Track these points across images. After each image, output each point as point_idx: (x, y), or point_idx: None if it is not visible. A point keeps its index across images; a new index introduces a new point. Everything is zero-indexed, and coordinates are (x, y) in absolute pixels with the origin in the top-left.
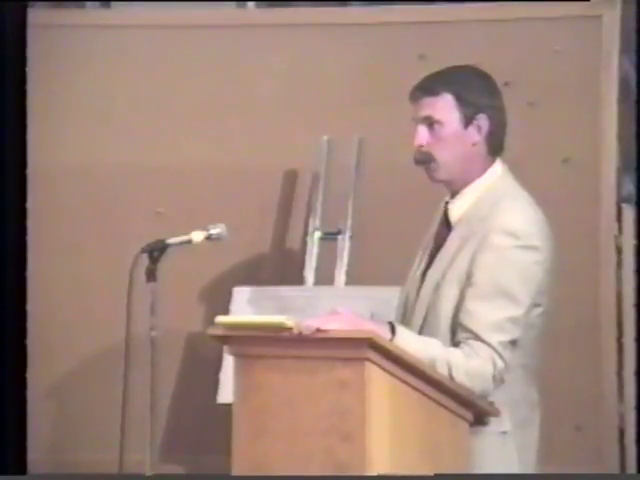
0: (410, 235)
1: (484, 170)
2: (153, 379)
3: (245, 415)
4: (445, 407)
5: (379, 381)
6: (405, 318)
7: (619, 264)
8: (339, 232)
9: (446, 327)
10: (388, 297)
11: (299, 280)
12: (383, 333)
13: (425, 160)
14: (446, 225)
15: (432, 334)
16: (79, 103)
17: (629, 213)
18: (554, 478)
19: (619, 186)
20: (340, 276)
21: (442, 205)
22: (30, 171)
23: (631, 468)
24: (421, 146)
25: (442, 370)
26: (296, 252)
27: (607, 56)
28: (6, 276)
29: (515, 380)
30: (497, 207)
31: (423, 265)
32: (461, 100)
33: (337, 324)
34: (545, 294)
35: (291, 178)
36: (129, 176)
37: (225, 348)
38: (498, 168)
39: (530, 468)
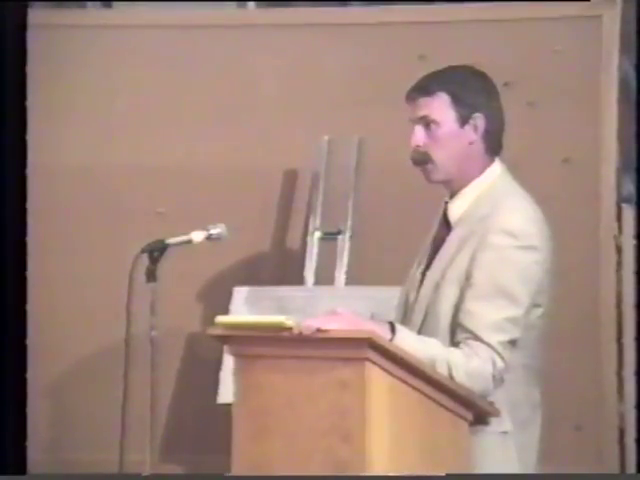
0: (410, 235)
1: (482, 169)
2: (153, 379)
3: (245, 415)
4: (445, 407)
5: (379, 381)
6: (405, 318)
7: (619, 264)
8: (339, 232)
9: (445, 327)
10: (388, 297)
11: (299, 280)
12: (383, 333)
13: (422, 160)
14: (446, 225)
15: (431, 334)
16: (79, 103)
17: (629, 213)
18: (554, 478)
19: (619, 186)
20: (340, 276)
21: (441, 205)
22: (30, 171)
23: (631, 468)
24: (418, 146)
25: (442, 370)
26: (296, 252)
27: (607, 56)
28: (6, 276)
29: (516, 380)
30: (496, 207)
31: (423, 265)
32: (457, 99)
33: (337, 324)
34: (545, 294)
35: (291, 178)
36: (129, 176)
37: (225, 348)
38: (497, 168)
39: (531, 468)
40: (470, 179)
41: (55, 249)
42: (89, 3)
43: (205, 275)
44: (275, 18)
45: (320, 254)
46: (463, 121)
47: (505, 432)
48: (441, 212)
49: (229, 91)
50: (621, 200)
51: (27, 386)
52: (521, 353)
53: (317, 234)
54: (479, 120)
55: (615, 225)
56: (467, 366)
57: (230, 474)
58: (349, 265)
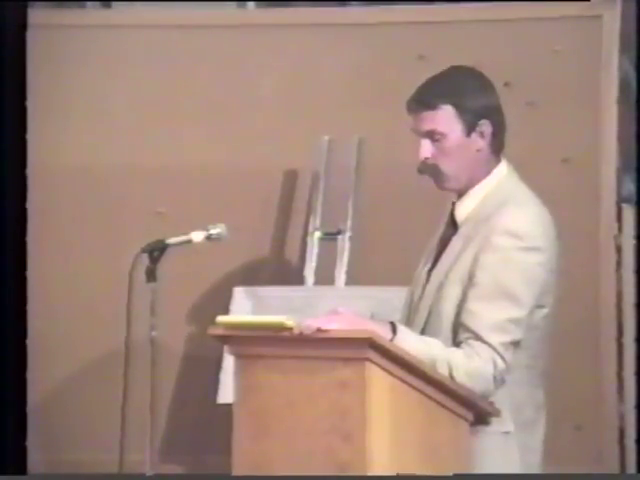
0: (410, 235)
1: (489, 171)
2: (153, 379)
3: (245, 415)
4: (445, 407)
5: (379, 381)
6: (409, 317)
7: (619, 264)
8: (339, 232)
9: (448, 327)
10: (388, 297)
11: (299, 280)
12: (384, 333)
13: (431, 172)
14: (452, 225)
15: (434, 334)
16: (79, 103)
17: (629, 213)
18: (554, 478)
19: (619, 186)
20: (340, 276)
21: (449, 205)
22: (30, 171)
23: (631, 468)
24: (427, 159)
25: (442, 370)
26: (296, 252)
27: (607, 56)
28: (6, 276)
29: (519, 381)
30: (501, 208)
31: (429, 264)
32: (461, 109)
33: (337, 324)
34: (550, 295)
35: (291, 178)
36: (129, 176)
37: (225, 348)
38: (504, 168)
39: (534, 469)
40: (477, 181)
41: (55, 249)
42: (88, 3)
43: (205, 275)
44: (275, 18)
45: (320, 254)
46: (469, 130)
47: (507, 432)
48: (448, 212)
49: (229, 91)
50: (621, 200)
51: (27, 386)
52: (524, 354)
53: (317, 234)
54: (485, 126)
55: (615, 225)
56: (468, 366)
57: (230, 474)
58: (349, 265)
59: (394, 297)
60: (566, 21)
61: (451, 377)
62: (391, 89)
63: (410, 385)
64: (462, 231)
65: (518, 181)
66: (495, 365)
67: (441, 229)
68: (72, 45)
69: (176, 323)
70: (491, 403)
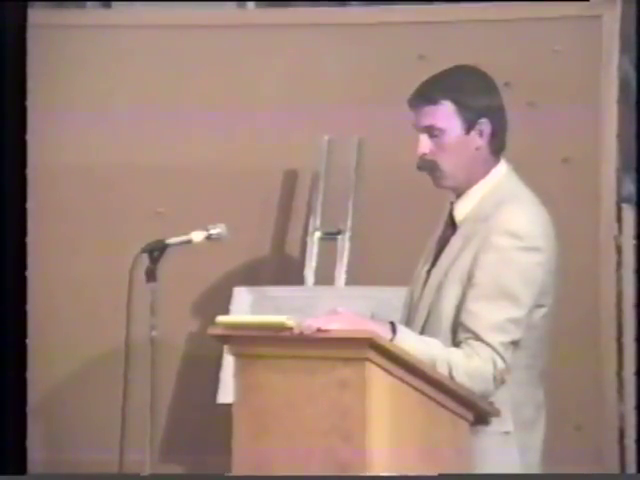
0: (410, 235)
1: (488, 170)
2: (153, 379)
3: (245, 415)
4: (445, 407)
5: (379, 381)
6: (409, 317)
7: (619, 264)
8: (339, 232)
9: (447, 327)
10: (388, 297)
11: (299, 280)
12: (384, 333)
13: (429, 168)
14: (451, 225)
15: (434, 334)
16: (79, 103)
17: (629, 213)
18: (554, 478)
19: (619, 186)
20: (340, 276)
21: (448, 205)
22: (30, 171)
23: (631, 468)
24: (424, 154)
25: (442, 370)
26: (296, 252)
27: (607, 56)
28: (6, 276)
29: (519, 381)
30: (500, 207)
31: (428, 264)
32: (461, 106)
33: (338, 324)
34: (549, 295)
35: (291, 178)
36: (129, 176)
37: (225, 348)
38: (503, 168)
39: (534, 468)
40: (476, 180)
41: (55, 249)
42: (88, 3)
43: (205, 275)
44: (275, 18)
45: (320, 254)
46: (469, 127)
47: (507, 432)
48: (447, 212)
49: (229, 91)
50: (621, 200)
51: (27, 386)
52: (524, 353)
53: (317, 234)
54: (485, 125)
55: (615, 225)
56: (467, 366)
57: (230, 474)
58: (349, 265)
59: (394, 297)
60: (566, 21)
61: (451, 377)
62: (391, 89)
63: (410, 385)
64: (461, 231)
65: (517, 181)
66: (495, 365)
67: (440, 229)
68: (72, 45)
69: (176, 323)
70: (491, 403)
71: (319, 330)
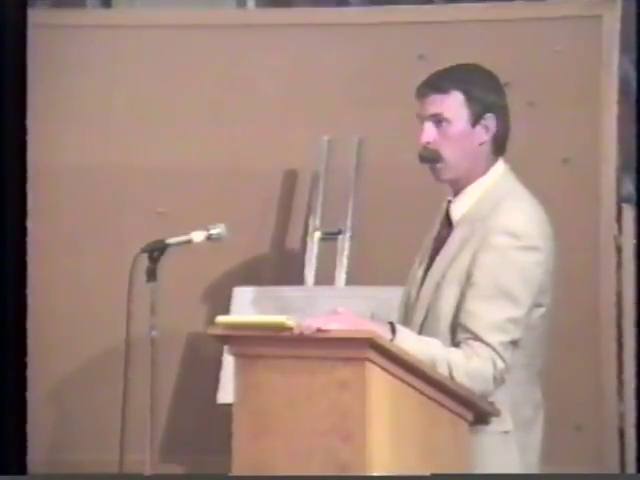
0: (410, 235)
1: (487, 169)
2: (153, 379)
3: (245, 415)
4: (445, 407)
5: (379, 381)
6: (406, 317)
7: (619, 264)
8: (339, 232)
9: (446, 327)
10: (388, 297)
11: (299, 280)
12: (384, 333)
13: (432, 158)
14: (448, 224)
15: (432, 334)
16: (79, 103)
17: (629, 213)
18: (554, 478)
19: (619, 186)
20: (340, 276)
21: (444, 204)
22: (30, 171)
23: (631, 468)
24: (428, 143)
25: (442, 370)
26: (296, 252)
27: (607, 56)
28: (6, 276)
29: (518, 380)
30: (498, 207)
31: (424, 264)
32: (470, 98)
33: (338, 324)
34: (547, 294)
35: (291, 178)
36: (129, 176)
37: (225, 348)
38: (500, 167)
39: (533, 468)
40: (474, 178)
41: (55, 249)
42: (88, 3)
43: (205, 275)
44: (275, 18)
45: (320, 254)
46: (475, 121)
47: (506, 432)
48: (443, 211)
49: (229, 91)
50: (621, 200)
51: (27, 386)
52: (522, 353)
53: (317, 234)
54: (490, 121)
55: (615, 225)
56: (467, 366)
57: (230, 474)
58: (349, 265)
59: (394, 297)
60: (566, 21)
61: (451, 377)
62: (391, 89)
63: (410, 385)
64: (458, 230)
65: (514, 180)
66: (494, 365)
67: (436, 228)
68: (72, 45)
69: (176, 323)
70: (491, 403)
71: (319, 330)
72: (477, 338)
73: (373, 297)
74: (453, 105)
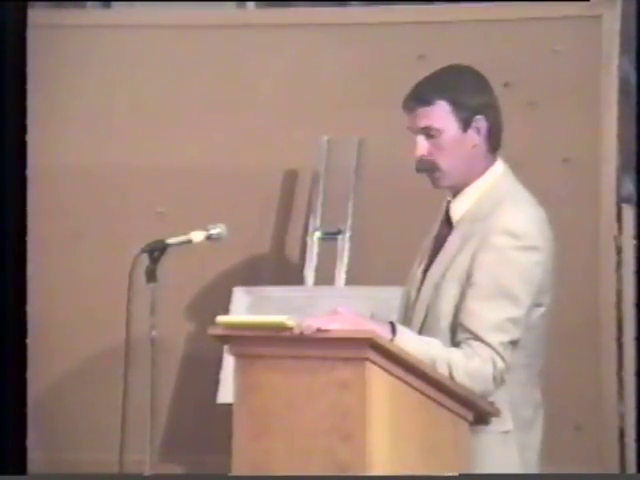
0: (410, 235)
1: (485, 169)
2: (153, 379)
3: (245, 415)
4: (445, 407)
5: (379, 381)
6: (406, 318)
7: (619, 264)
8: (339, 232)
9: (446, 327)
10: (388, 297)
11: (299, 280)
12: (384, 333)
13: (428, 169)
14: (447, 224)
15: (432, 334)
16: (79, 103)
17: (629, 213)
18: (554, 478)
19: (619, 186)
20: (340, 276)
21: (444, 204)
22: (30, 171)
23: (631, 468)
24: (423, 156)
25: (442, 370)
26: (296, 252)
27: (607, 56)
28: (6, 276)
29: (517, 380)
30: (498, 207)
31: (424, 264)
32: (456, 105)
33: (338, 324)
34: (547, 294)
35: (291, 178)
36: (129, 176)
37: (225, 348)
38: (499, 167)
39: (533, 468)
40: (473, 179)
41: (55, 249)
42: (88, 3)
43: (205, 275)
44: (275, 18)
45: (320, 254)
46: (465, 126)
47: (506, 432)
48: (443, 211)
49: (229, 91)
50: (621, 200)
51: (27, 386)
52: (522, 353)
53: (317, 234)
54: (481, 122)
55: (615, 225)
56: (467, 366)
57: (230, 474)
58: (349, 265)
59: (394, 297)
60: (566, 21)
61: (451, 377)
62: (391, 89)
63: (410, 385)
64: (458, 230)
65: (514, 180)
66: (495, 365)
67: (435, 228)
68: (72, 45)
69: (176, 323)
70: (491, 403)
71: (319, 330)
72: (477, 338)
73: (373, 297)
74: (441, 115)
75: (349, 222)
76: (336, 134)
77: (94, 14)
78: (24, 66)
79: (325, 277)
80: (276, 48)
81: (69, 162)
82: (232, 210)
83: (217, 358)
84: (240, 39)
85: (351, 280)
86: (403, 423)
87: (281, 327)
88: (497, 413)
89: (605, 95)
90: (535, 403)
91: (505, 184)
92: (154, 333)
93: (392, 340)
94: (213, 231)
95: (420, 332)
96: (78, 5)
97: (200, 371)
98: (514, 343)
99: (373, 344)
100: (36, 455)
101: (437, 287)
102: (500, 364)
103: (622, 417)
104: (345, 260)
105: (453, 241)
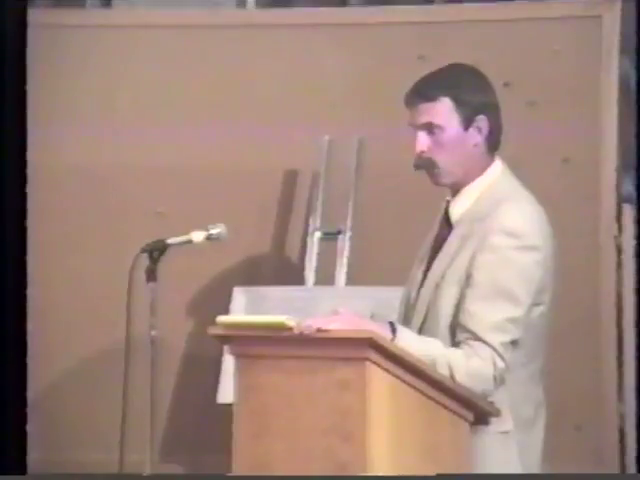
0: (410, 235)
1: (484, 168)
2: (153, 379)
3: (245, 415)
4: (445, 407)
5: (380, 381)
6: (406, 318)
7: (619, 264)
8: (339, 232)
9: (445, 327)
10: (388, 297)
11: (299, 280)
12: (384, 333)
13: (427, 166)
14: (447, 224)
15: (432, 334)
16: (79, 103)
17: (629, 213)
18: (554, 478)
19: (619, 186)
20: (340, 276)
21: (443, 204)
22: (30, 171)
23: (631, 468)
24: (422, 152)
25: (442, 370)
26: (296, 252)
27: (607, 56)
28: (6, 276)
29: (518, 380)
30: (497, 207)
31: (424, 264)
32: (459, 103)
33: (338, 324)
34: (547, 293)
35: (291, 178)
36: (129, 176)
37: (225, 348)
38: (498, 167)
39: (534, 468)
40: (472, 178)
41: (55, 249)
42: (88, 3)
43: (205, 275)
44: (275, 18)
45: (320, 254)
46: (467, 124)
47: (506, 432)
48: (442, 211)
49: (229, 91)
50: (621, 200)
51: (27, 386)
52: (522, 352)
53: (317, 234)
54: (482, 122)
55: (615, 225)
56: (468, 366)
57: (230, 474)
58: (349, 265)
59: (394, 297)
60: (566, 21)
61: (451, 377)
62: (391, 89)
63: (410, 385)
64: (457, 230)
65: (513, 180)
66: (495, 365)
67: (435, 228)
68: (72, 45)
69: (176, 323)
70: (491, 403)
71: (319, 330)
72: (477, 338)
73: (373, 297)
74: (443, 112)
75: (349, 222)
76: (336, 134)
77: (94, 14)
78: (24, 66)
79: (325, 277)
80: (276, 48)
81: (69, 162)
82: (232, 210)
83: (217, 358)
84: (240, 39)
85: (351, 280)
86: (403, 423)
87: (281, 327)
88: (497, 413)
89: (605, 95)
90: (536, 402)
91: (504, 183)
92: (154, 333)
93: (392, 340)
94: (213, 231)
95: (420, 332)
96: (78, 5)
97: (200, 371)
98: (514, 343)
99: (373, 344)
100: (36, 455)
101: (437, 287)
102: (500, 364)
103: (622, 417)
104: (345, 260)
105: (452, 241)
